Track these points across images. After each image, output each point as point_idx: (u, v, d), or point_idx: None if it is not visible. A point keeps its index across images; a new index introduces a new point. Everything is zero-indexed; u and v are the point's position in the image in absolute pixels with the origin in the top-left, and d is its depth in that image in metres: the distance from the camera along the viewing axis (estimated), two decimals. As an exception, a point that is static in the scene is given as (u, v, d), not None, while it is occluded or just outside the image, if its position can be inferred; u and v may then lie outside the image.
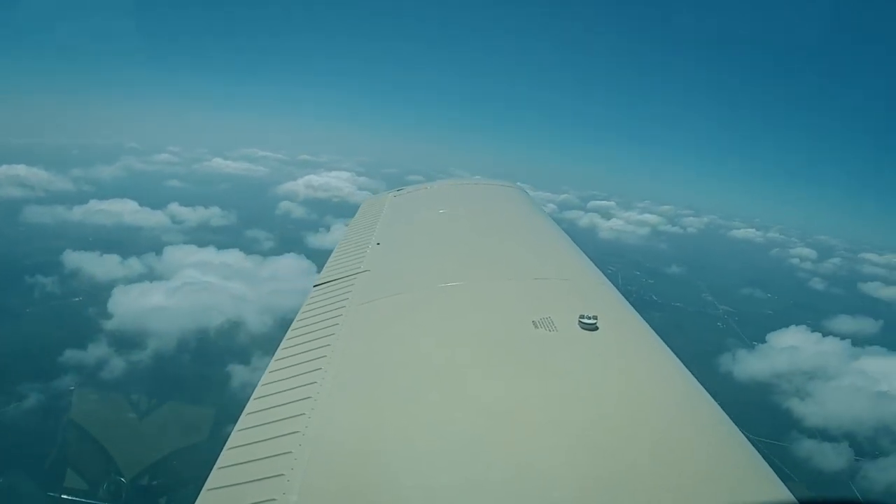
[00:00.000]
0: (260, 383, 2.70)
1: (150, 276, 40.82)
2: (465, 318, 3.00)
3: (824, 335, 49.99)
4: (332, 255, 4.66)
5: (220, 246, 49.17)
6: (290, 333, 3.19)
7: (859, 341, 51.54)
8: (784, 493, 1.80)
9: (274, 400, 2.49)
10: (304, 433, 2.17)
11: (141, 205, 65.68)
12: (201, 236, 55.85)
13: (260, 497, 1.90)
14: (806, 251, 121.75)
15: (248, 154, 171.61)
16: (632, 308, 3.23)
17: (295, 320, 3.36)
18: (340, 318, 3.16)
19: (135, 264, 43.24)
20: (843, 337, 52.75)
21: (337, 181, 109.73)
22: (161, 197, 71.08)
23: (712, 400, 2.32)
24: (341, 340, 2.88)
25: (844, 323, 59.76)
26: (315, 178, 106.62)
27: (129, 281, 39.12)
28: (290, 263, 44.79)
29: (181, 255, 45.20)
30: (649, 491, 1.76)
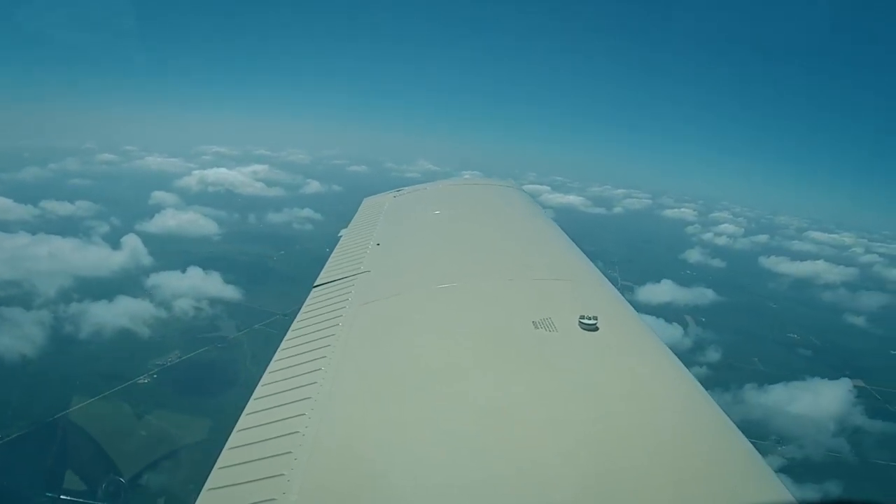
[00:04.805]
0: (260, 383, 2.70)
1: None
2: (465, 319, 3.01)
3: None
4: (332, 255, 4.67)
5: (62, 234, 54.40)
6: (290, 334, 3.19)
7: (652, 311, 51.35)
8: (784, 493, 1.80)
9: (274, 400, 2.50)
10: (304, 433, 2.18)
11: (16, 202, 70.34)
12: (44, 226, 60.11)
13: (260, 497, 1.91)
14: (732, 228, 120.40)
15: (200, 150, 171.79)
16: (632, 308, 3.26)
17: (295, 321, 3.37)
18: (341, 318, 3.18)
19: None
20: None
21: (236, 175, 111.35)
22: (44, 193, 75.41)
23: (712, 400, 2.33)
24: (341, 341, 2.90)
25: (660, 290, 58.67)
26: (208, 173, 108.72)
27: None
28: (63, 245, 50.68)
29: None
30: (650, 491, 1.76)
